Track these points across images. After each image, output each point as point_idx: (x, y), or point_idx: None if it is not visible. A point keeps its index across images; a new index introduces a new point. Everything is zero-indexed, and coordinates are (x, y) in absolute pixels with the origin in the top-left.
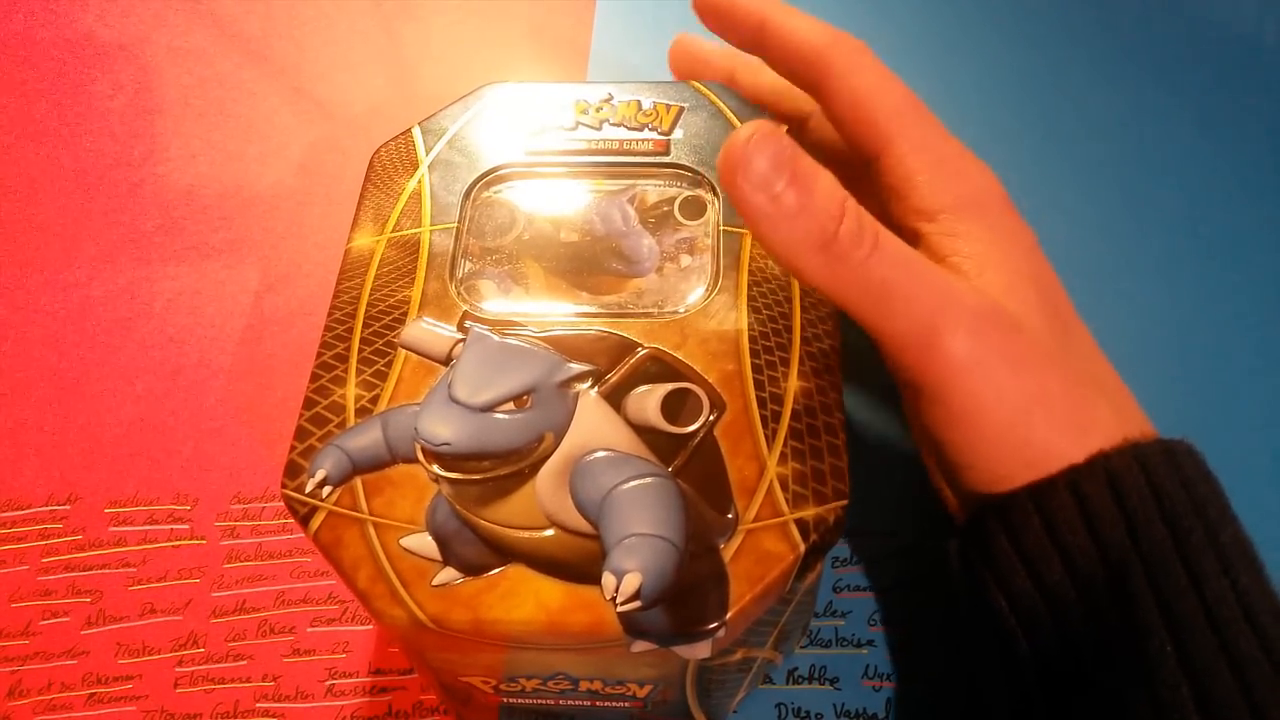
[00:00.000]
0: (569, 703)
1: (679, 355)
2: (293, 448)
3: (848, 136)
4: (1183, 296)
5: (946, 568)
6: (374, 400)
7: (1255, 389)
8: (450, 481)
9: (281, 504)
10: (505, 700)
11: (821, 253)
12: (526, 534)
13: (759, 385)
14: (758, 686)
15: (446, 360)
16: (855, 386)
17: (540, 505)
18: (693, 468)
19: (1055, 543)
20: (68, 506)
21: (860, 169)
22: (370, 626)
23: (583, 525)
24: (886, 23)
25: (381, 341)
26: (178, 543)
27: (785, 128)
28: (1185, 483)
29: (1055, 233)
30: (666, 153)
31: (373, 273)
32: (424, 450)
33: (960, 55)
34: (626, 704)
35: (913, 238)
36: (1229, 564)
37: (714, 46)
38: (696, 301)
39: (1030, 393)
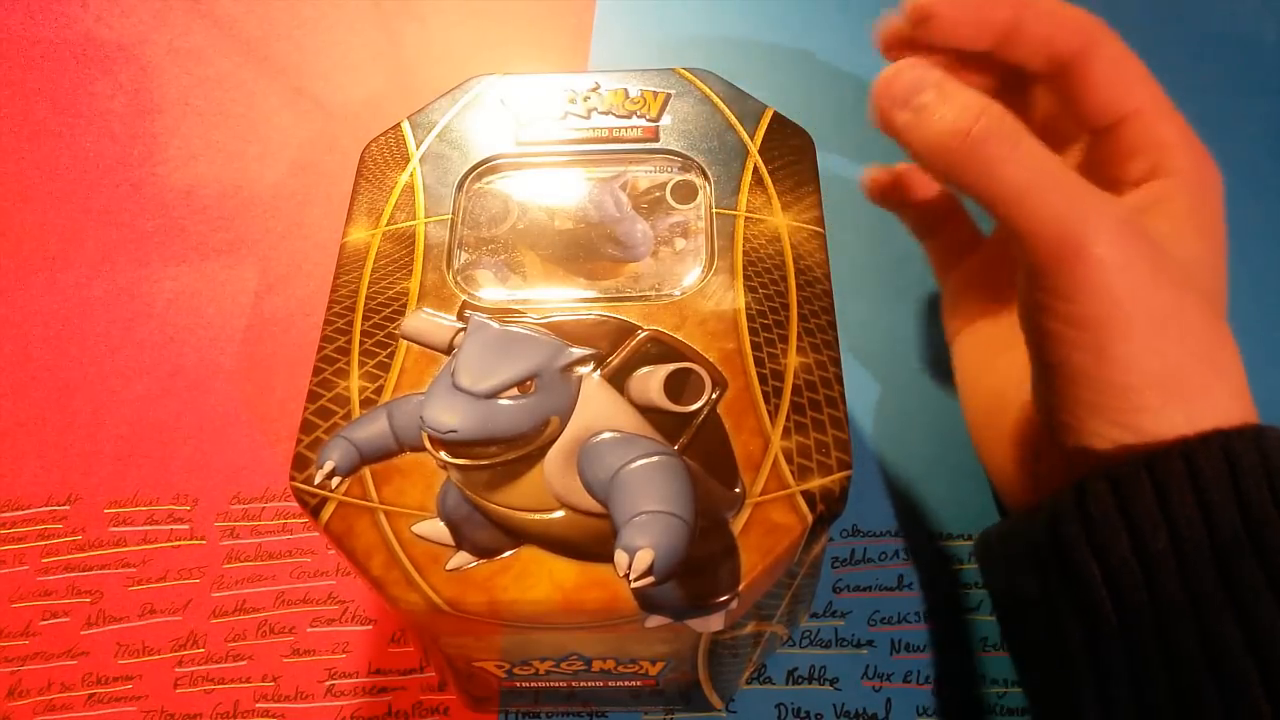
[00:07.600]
0: (582, 684)
1: (679, 336)
2: (299, 440)
3: (1097, 100)
4: None
5: (988, 550)
6: (378, 391)
7: (1254, 388)
8: (459, 468)
9: (281, 504)
10: (517, 685)
11: (961, 145)
12: (537, 516)
13: (759, 362)
14: (766, 658)
15: (448, 349)
16: (856, 388)
17: (549, 487)
18: (698, 445)
19: (1165, 512)
20: (68, 507)
21: (1074, 130)
22: (370, 627)
23: (592, 505)
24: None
25: (382, 333)
26: (178, 543)
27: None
28: None
29: None
30: (656, 139)
31: (370, 266)
32: (431, 438)
33: None
34: (638, 683)
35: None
36: None
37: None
38: (693, 283)
39: (1167, 308)
